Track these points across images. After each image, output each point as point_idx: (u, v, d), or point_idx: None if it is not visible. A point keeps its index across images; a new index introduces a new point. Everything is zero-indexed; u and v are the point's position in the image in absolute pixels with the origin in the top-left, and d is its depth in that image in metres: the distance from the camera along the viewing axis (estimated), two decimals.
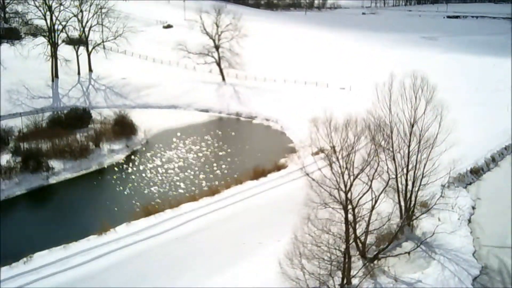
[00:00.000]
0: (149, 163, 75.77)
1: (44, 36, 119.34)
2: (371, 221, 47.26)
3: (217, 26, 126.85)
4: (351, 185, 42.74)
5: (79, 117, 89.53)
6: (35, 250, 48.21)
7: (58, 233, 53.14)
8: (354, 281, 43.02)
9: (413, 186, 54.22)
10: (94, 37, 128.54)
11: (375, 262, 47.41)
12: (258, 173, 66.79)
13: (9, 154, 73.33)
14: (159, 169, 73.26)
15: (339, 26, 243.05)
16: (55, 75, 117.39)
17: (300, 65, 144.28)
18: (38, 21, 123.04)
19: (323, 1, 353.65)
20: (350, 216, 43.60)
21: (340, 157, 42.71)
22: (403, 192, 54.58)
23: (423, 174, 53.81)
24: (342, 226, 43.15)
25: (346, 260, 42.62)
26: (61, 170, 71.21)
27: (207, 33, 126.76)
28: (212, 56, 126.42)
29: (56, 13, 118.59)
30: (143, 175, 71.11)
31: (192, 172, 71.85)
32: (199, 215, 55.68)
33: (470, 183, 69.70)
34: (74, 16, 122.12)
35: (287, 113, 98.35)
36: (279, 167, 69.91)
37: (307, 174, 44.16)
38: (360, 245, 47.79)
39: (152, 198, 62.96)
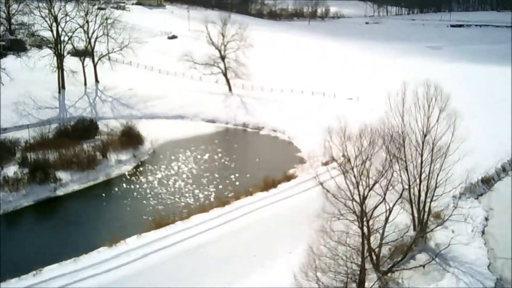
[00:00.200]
0: (157, 174, 75.27)
1: (50, 47, 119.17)
2: (385, 233, 46.67)
3: (223, 36, 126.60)
4: (366, 196, 42.17)
5: (86, 128, 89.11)
6: (44, 263, 47.61)
7: (68, 245, 52.58)
8: None
9: (426, 197, 53.67)
10: (100, 48, 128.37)
11: (389, 274, 46.75)
12: (269, 184, 66.15)
13: (16, 166, 72.85)
14: (167, 180, 72.72)
15: (343, 36, 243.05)
16: (61, 86, 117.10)
17: (306, 75, 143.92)
18: (44, 33, 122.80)
19: (326, 10, 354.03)
20: (365, 228, 43.05)
21: (354, 167, 42.17)
22: (416, 203, 54.05)
23: (436, 184, 53.25)
24: (355, 237, 42.62)
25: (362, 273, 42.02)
26: (69, 182, 70.67)
27: (213, 43, 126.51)
28: (218, 67, 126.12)
29: (62, 24, 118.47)
30: (151, 186, 70.59)
31: (201, 183, 71.28)
32: (210, 227, 55.05)
33: (482, 194, 68.98)
34: (80, 27, 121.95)
35: (294, 124, 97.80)
36: (289, 178, 69.31)
37: (322, 185, 43.57)
38: (374, 257, 47.16)
39: (161, 209, 62.38)
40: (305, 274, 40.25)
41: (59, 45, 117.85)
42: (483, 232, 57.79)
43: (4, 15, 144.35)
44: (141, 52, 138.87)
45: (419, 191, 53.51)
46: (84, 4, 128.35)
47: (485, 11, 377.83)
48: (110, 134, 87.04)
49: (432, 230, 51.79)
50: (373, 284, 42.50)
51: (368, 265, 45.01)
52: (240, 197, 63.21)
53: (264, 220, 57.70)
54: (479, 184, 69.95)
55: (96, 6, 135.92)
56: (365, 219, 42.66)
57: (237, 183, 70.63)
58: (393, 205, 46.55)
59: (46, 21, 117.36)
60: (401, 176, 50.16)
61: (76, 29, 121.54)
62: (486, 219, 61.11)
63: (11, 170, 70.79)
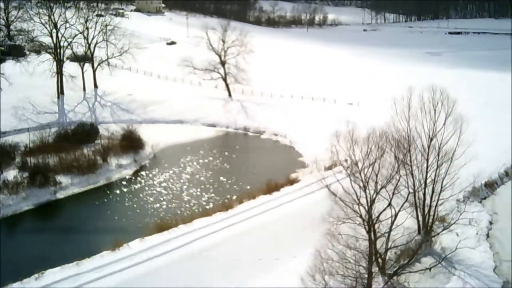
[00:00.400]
0: (158, 177, 74.75)
1: (49, 53, 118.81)
2: (391, 236, 46.22)
3: (224, 42, 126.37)
4: (373, 200, 41.76)
5: (86, 132, 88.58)
6: (46, 266, 47.13)
7: (69, 249, 52.00)
8: None
9: (431, 201, 53.33)
10: (99, 53, 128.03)
11: (395, 278, 46.26)
12: (271, 188, 65.72)
13: (16, 169, 72.44)
14: (168, 184, 72.23)
15: (342, 43, 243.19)
16: (60, 91, 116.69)
17: (305, 80, 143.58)
18: (44, 38, 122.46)
19: (323, 18, 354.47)
20: (367, 231, 42.62)
21: (362, 171, 41.78)
22: (421, 207, 53.69)
23: (441, 188, 52.92)
24: (360, 241, 42.17)
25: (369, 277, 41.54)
26: (69, 185, 70.21)
27: (214, 49, 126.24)
28: (218, 72, 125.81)
29: (62, 30, 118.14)
30: (153, 190, 70.06)
31: (203, 187, 70.81)
32: (213, 231, 54.56)
33: (485, 197, 68.64)
34: (80, 33, 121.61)
35: (296, 128, 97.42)
36: (292, 182, 68.85)
37: (329, 189, 43.13)
38: (379, 261, 46.68)
39: (163, 213, 61.96)
40: (313, 277, 39.72)
41: (58, 51, 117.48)
42: (487, 236, 57.36)
43: (3, 22, 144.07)
44: (140, 57, 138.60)
45: (424, 195, 53.20)
46: (84, 11, 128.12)
47: (483, 18, 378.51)
48: (110, 139, 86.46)
49: (438, 234, 51.32)
50: (383, 287, 41.95)
51: (374, 269, 44.58)
52: (243, 200, 62.76)
53: (268, 224, 57.20)
54: (483, 188, 69.54)
55: (95, 13, 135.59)
56: (371, 223, 42.28)
57: (239, 187, 70.04)
58: (399, 209, 46.10)
59: (46, 27, 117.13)
60: (407, 180, 49.75)
61: (76, 35, 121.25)
62: (491, 222, 60.70)
63: (11, 174, 70.40)
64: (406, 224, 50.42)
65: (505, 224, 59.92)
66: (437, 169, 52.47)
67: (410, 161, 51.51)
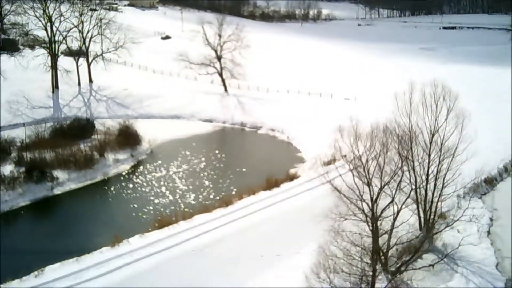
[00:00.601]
0: (156, 173, 74.18)
1: (44, 47, 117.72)
2: (393, 233, 45.87)
3: (220, 37, 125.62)
4: (377, 196, 41.39)
5: (82, 127, 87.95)
6: (45, 263, 46.64)
7: (68, 245, 51.52)
8: None
9: (433, 197, 52.93)
10: (94, 48, 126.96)
11: (397, 274, 45.94)
12: (271, 184, 65.25)
13: (12, 165, 71.72)
14: (166, 179, 71.65)
15: (336, 37, 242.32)
16: (55, 86, 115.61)
17: (301, 75, 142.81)
18: (38, 32, 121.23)
19: (318, 13, 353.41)
20: (371, 228, 42.27)
21: (366, 167, 41.38)
22: (423, 203, 53.30)
23: (443, 184, 52.52)
24: (362, 237, 41.82)
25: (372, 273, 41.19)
26: (66, 181, 69.62)
27: (210, 44, 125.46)
28: (214, 67, 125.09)
29: (57, 24, 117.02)
30: (151, 185, 69.50)
31: (201, 182, 70.31)
32: (214, 227, 54.10)
33: (485, 193, 68.38)
34: (75, 27, 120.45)
35: (293, 124, 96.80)
36: (291, 177, 68.37)
37: (332, 185, 42.72)
38: (382, 257, 46.33)
39: (162, 209, 61.47)
40: (317, 275, 39.33)
41: (53, 45, 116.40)
42: (488, 232, 57.10)
43: None
44: (135, 52, 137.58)
45: (426, 191, 52.75)
46: (79, 5, 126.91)
47: (476, 13, 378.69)
48: (107, 134, 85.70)
49: (441, 231, 50.92)
50: (387, 285, 41.63)
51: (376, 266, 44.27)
52: (243, 196, 62.25)
53: (268, 220, 56.81)
54: (482, 184, 69.25)
55: (89, 7, 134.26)
56: (375, 219, 41.92)
57: (238, 182, 69.33)
58: (401, 206, 45.77)
59: (40, 21, 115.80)
60: (410, 176, 49.39)
61: (70, 29, 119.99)
62: (491, 219, 60.45)
63: (7, 169, 69.76)
64: (408, 220, 50.12)
65: (505, 221, 59.66)
66: (439, 165, 52.01)
67: (412, 157, 51.09)
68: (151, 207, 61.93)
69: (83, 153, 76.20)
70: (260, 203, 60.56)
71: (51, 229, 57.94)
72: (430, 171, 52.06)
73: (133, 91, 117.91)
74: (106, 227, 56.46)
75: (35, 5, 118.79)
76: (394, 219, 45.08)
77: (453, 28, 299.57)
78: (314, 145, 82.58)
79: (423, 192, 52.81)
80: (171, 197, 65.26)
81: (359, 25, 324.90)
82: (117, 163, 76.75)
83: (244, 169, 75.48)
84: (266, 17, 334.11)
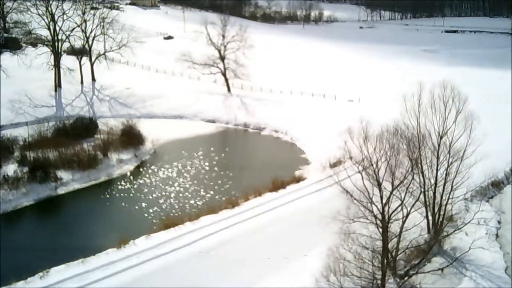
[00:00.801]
0: (160, 173, 73.68)
1: (47, 45, 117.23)
2: (401, 236, 45.38)
3: (223, 37, 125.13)
4: (388, 199, 40.88)
5: (85, 127, 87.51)
6: (50, 264, 46.10)
7: (73, 246, 50.92)
8: None
9: (441, 200, 52.45)
10: (97, 47, 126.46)
11: (406, 278, 45.45)
12: (277, 185, 64.73)
13: (16, 164, 71.16)
14: (170, 180, 71.15)
15: (338, 39, 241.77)
16: (58, 85, 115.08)
17: (304, 77, 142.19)
18: (41, 31, 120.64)
19: (319, 14, 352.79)
20: (381, 231, 41.78)
21: (376, 169, 40.89)
22: (431, 206, 52.80)
23: (452, 187, 52.00)
24: (373, 241, 41.35)
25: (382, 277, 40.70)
26: (70, 181, 69.14)
27: (213, 44, 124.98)
28: (218, 67, 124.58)
29: (59, 23, 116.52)
30: (155, 186, 69.01)
31: (205, 183, 69.72)
32: (220, 228, 53.57)
33: (492, 197, 67.87)
34: (78, 26, 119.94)
35: (296, 125, 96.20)
36: (297, 179, 67.85)
37: (342, 187, 42.18)
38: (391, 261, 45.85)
39: (167, 210, 60.95)
40: (326, 278, 38.81)
41: (56, 44, 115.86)
42: (497, 236, 56.59)
43: None
44: (138, 52, 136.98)
45: (434, 194, 52.27)
46: (81, 3, 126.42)
47: (478, 16, 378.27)
48: (110, 133, 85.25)
49: (450, 234, 50.35)
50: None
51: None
52: (249, 198, 61.72)
53: (275, 222, 56.28)
54: (489, 187, 68.73)
55: (90, 6, 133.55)
56: (385, 222, 41.44)
57: (243, 184, 68.68)
58: (411, 208, 45.27)
59: (43, 19, 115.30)
60: (419, 179, 48.88)
61: (73, 28, 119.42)
62: (499, 222, 59.94)
63: (11, 168, 69.19)
64: (416, 223, 49.60)
65: None
66: (447, 167, 51.52)
67: (420, 160, 50.59)
68: (156, 208, 61.37)
69: (87, 153, 75.73)
70: (266, 204, 60.03)
71: (55, 229, 57.38)
72: (438, 174, 51.62)
73: (136, 91, 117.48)
74: (111, 228, 55.99)
75: (37, 2, 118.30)
76: (403, 222, 44.59)
77: (455, 31, 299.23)
78: (319, 147, 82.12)
79: (431, 194, 52.39)
80: (176, 198, 64.72)
81: (360, 27, 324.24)
82: (121, 163, 76.24)
83: (248, 170, 74.96)
84: (268, 18, 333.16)
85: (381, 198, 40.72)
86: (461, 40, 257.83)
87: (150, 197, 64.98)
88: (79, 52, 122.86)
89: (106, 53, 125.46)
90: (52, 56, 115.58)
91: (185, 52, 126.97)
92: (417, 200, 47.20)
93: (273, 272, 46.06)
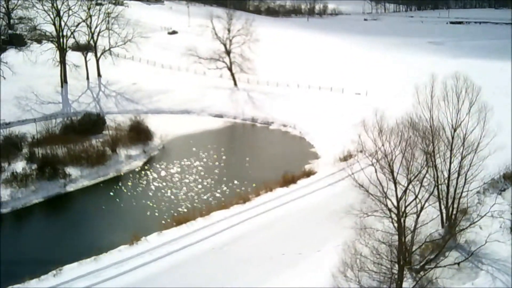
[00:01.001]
0: (169, 169, 73.24)
1: (52, 41, 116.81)
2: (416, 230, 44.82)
3: (229, 31, 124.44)
4: (404, 192, 40.30)
5: (93, 123, 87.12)
6: (63, 262, 45.65)
7: (85, 243, 50.50)
8: None
9: (455, 193, 51.82)
10: (102, 42, 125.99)
11: (422, 273, 44.94)
12: (288, 180, 64.15)
13: (24, 161, 70.80)
14: (180, 175, 70.72)
15: (343, 32, 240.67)
16: (64, 81, 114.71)
17: (310, 70, 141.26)
18: (46, 26, 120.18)
19: (324, 7, 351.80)
20: (397, 226, 41.24)
21: (391, 162, 40.31)
22: (445, 199, 52.20)
23: (465, 180, 51.36)
24: (391, 235, 40.80)
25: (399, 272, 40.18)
26: (79, 177, 68.77)
27: (219, 38, 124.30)
28: (224, 61, 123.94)
29: (65, 18, 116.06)
30: (165, 181, 68.56)
31: (215, 178, 69.27)
32: (233, 224, 53.06)
33: (504, 189, 67.07)
34: (83, 21, 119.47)
35: (305, 119, 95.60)
36: (308, 174, 67.27)
37: (356, 181, 41.56)
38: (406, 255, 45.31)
39: (178, 205, 60.54)
40: (343, 273, 38.31)
41: (61, 39, 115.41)
42: (511, 229, 55.83)
43: (3, 10, 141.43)
44: (143, 47, 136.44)
45: (448, 187, 51.64)
46: None
47: (483, 8, 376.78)
48: (118, 129, 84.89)
49: (466, 228, 49.65)
50: (415, 284, 40.61)
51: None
52: (260, 193, 61.19)
53: (287, 217, 55.76)
54: (501, 180, 67.99)
55: (94, 1, 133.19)
56: (401, 216, 40.90)
57: (253, 179, 68.10)
58: (425, 202, 44.67)
59: (49, 14, 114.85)
60: (433, 172, 48.26)
61: (79, 24, 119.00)
62: None
63: (19, 165, 68.89)
64: (430, 216, 49.07)
65: None
66: (461, 160, 50.88)
67: (433, 152, 49.98)
68: (166, 204, 60.99)
69: (95, 149, 75.39)
70: (277, 199, 59.52)
71: (66, 227, 56.84)
72: (452, 167, 51.00)
73: (142, 86, 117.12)
74: (122, 224, 55.63)
75: None
76: (418, 216, 44.04)
77: (460, 22, 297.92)
78: (328, 141, 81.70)
79: (444, 188, 51.79)
80: (186, 193, 64.29)
81: (365, 20, 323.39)
82: (130, 159, 75.83)
83: (258, 165, 74.49)
84: (272, 11, 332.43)
85: (396, 192, 40.13)
86: (466, 32, 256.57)
87: (160, 193, 64.53)
88: (85, 48, 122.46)
89: (112, 49, 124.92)
90: (58, 52, 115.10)
91: (190, 46, 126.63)
92: (431, 193, 46.63)
93: (288, 268, 45.58)
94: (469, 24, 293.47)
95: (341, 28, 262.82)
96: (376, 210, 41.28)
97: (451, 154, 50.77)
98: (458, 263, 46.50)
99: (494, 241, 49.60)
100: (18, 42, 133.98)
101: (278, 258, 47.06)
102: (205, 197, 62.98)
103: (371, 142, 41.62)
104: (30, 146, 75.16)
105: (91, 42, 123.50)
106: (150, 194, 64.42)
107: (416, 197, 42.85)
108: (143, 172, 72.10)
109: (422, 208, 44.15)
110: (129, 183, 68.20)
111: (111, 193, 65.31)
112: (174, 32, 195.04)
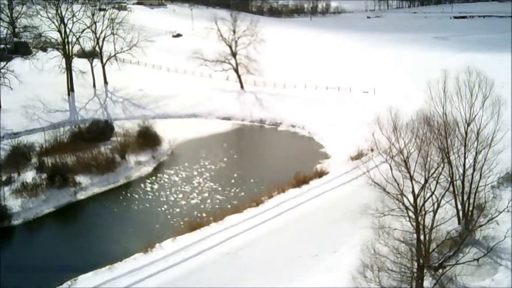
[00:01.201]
0: (180, 174, 72.71)
1: (57, 49, 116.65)
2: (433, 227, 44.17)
3: (234, 32, 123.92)
4: (421, 189, 39.66)
5: (101, 130, 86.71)
6: (78, 272, 45.19)
7: (99, 252, 50.17)
8: None
9: (470, 188, 51.10)
10: (108, 48, 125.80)
11: (441, 270, 44.27)
12: (300, 181, 63.58)
13: (33, 171, 70.48)
14: (191, 180, 70.19)
15: (347, 30, 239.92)
16: (70, 89, 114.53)
17: (316, 70, 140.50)
18: (51, 34, 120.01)
19: (326, 6, 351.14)
20: (415, 224, 40.60)
21: (408, 159, 39.69)
22: (460, 195, 51.52)
23: (481, 175, 50.67)
24: (411, 234, 40.18)
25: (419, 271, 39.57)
26: (89, 185, 68.34)
27: (224, 40, 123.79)
28: (230, 63, 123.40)
29: (69, 25, 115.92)
30: (176, 186, 68.04)
31: (226, 182, 68.63)
32: (247, 228, 52.51)
33: None
34: (88, 27, 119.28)
35: (313, 119, 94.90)
36: (320, 174, 66.65)
37: (372, 180, 40.90)
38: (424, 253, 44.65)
39: (191, 210, 59.94)
40: (362, 274, 37.69)
41: (67, 46, 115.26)
42: None
43: (7, 19, 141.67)
44: (148, 51, 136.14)
45: (463, 182, 50.94)
46: (89, 4, 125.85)
47: (487, 1, 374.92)
48: (126, 135, 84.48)
49: (485, 224, 48.94)
50: (435, 283, 39.96)
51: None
52: (272, 195, 60.60)
53: (301, 218, 55.20)
54: None
55: (97, 7, 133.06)
56: (419, 214, 40.26)
57: (264, 180, 67.39)
58: (441, 198, 44.02)
59: (53, 22, 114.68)
60: (449, 169, 47.53)
61: (84, 30, 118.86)
62: None
63: (29, 175, 68.55)
64: (447, 213, 48.43)
65: None
66: (476, 155, 50.20)
67: (447, 148, 49.31)
68: (178, 209, 60.48)
69: (104, 156, 74.91)
70: (291, 201, 58.94)
71: (79, 236, 56.33)
72: (466, 162, 50.33)
73: (149, 91, 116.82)
74: (135, 231, 55.11)
75: (47, 5, 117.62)
76: (435, 213, 43.41)
77: (464, 17, 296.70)
78: (338, 140, 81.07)
79: (459, 184, 51.11)
80: (198, 198, 63.81)
81: (368, 17, 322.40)
82: (139, 165, 75.41)
83: (269, 167, 73.97)
84: (275, 12, 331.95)
85: (413, 189, 39.49)
86: (470, 26, 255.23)
87: (171, 198, 64.09)
88: (90, 55, 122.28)
89: (117, 54, 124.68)
90: (64, 60, 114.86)
91: (195, 49, 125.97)
92: (447, 190, 45.99)
93: (305, 270, 45.01)
94: (473, 18, 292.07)
95: (344, 26, 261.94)
96: (393, 208, 40.69)
97: (465, 149, 50.11)
98: (477, 259, 45.84)
99: None
100: (23, 50, 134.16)
101: (295, 260, 46.49)
102: (217, 201, 62.51)
103: (385, 140, 41.05)
104: (39, 156, 74.85)
105: (97, 48, 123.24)
106: (162, 199, 63.96)
107: (433, 193, 42.26)
108: (153, 178, 71.65)
109: (438, 205, 43.57)
110: (140, 190, 67.75)
111: (122, 200, 64.96)
112: (178, 35, 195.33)
